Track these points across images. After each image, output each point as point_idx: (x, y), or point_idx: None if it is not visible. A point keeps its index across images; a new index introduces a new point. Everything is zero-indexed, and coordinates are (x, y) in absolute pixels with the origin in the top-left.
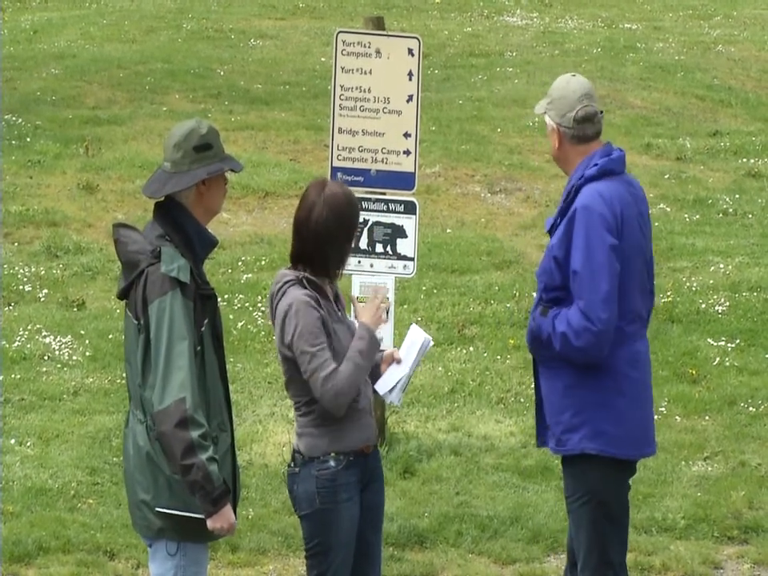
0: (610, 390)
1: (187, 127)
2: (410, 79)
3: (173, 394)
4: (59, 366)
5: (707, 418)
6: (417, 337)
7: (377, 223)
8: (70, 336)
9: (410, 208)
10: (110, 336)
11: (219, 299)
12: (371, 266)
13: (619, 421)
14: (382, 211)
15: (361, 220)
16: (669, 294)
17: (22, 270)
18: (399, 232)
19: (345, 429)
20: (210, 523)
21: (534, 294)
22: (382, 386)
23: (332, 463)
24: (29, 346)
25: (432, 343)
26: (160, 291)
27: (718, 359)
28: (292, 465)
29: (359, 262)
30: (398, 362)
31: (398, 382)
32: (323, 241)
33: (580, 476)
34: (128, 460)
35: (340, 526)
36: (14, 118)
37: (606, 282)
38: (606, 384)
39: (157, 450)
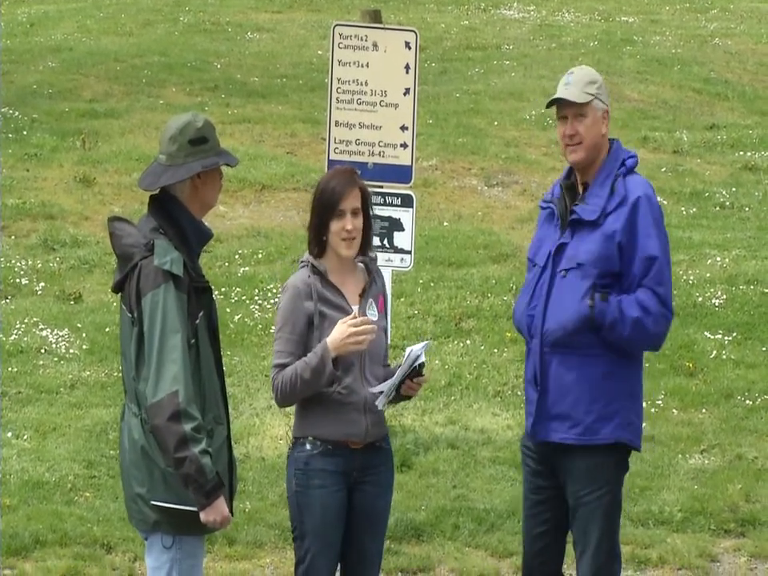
0: (636, 382)
1: (183, 120)
2: (407, 72)
3: (166, 387)
4: (56, 359)
5: (704, 411)
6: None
7: (374, 216)
8: (66, 329)
9: (406, 201)
10: (107, 329)
11: (216, 292)
12: None
13: (639, 412)
14: (379, 204)
15: None
16: None
17: (18, 263)
18: (396, 225)
19: (323, 417)
20: (203, 516)
21: None
22: (376, 389)
23: (307, 446)
24: (26, 339)
25: (422, 360)
26: (153, 284)
27: (714, 352)
28: (289, 446)
29: None
30: None
31: (385, 388)
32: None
33: (596, 468)
34: (123, 453)
35: (311, 512)
36: (10, 111)
37: (670, 273)
38: (634, 374)
39: (151, 443)
